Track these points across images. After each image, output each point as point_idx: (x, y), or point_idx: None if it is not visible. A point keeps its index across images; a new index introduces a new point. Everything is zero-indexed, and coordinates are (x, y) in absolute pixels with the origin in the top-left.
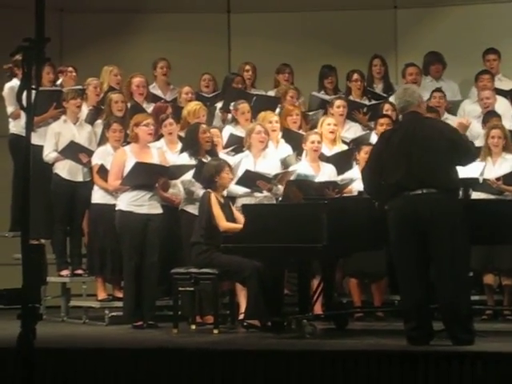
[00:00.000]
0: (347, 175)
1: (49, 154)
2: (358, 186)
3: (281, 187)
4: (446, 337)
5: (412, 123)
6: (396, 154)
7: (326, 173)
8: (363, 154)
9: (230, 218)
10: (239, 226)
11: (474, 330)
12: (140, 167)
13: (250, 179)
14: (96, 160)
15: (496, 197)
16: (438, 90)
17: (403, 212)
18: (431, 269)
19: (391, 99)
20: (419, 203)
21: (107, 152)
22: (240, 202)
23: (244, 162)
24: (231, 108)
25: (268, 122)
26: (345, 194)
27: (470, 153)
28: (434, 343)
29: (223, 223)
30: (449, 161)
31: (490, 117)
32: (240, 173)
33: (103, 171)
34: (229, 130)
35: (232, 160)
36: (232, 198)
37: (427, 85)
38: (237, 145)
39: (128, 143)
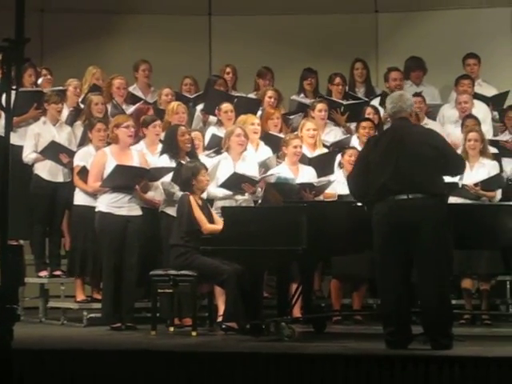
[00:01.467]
0: (327, 178)
1: (28, 155)
2: (339, 189)
3: (259, 190)
4: (424, 340)
5: (401, 129)
6: (383, 158)
7: (305, 175)
8: (347, 157)
9: (209, 220)
10: (220, 227)
11: (452, 335)
12: (120, 169)
13: (236, 182)
14: (77, 161)
15: (473, 202)
16: (418, 94)
17: (388, 216)
18: (412, 272)
19: (373, 103)
20: (404, 208)
21: (89, 153)
22: (219, 204)
23: (223, 163)
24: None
25: (250, 124)
26: (325, 199)
27: (458, 164)
28: (413, 347)
29: (206, 226)
30: (435, 167)
31: (468, 119)
32: (219, 174)
33: (84, 172)
34: (212, 130)
35: (210, 162)
36: (210, 201)
37: (407, 89)
38: (218, 147)
39: (108, 144)
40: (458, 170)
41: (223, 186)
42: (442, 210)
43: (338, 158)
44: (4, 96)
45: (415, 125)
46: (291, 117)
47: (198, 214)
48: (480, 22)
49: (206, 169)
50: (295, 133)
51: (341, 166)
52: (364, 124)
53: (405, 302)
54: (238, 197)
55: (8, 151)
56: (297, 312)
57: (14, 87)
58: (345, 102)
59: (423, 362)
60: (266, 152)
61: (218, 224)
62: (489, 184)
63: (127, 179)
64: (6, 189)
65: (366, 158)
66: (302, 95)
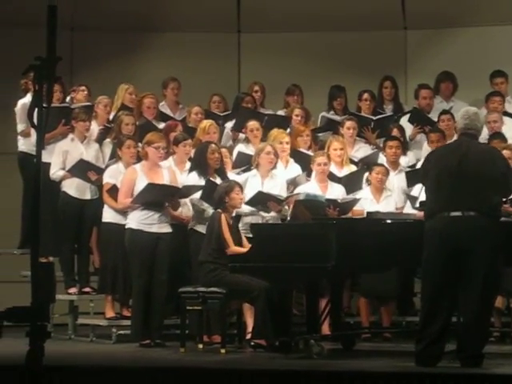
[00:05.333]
0: (353, 195)
1: (56, 172)
2: (367, 206)
3: (287, 208)
4: (453, 358)
5: (466, 145)
6: (443, 173)
7: (334, 193)
8: (375, 174)
9: (237, 240)
10: (244, 250)
11: (483, 353)
12: (152, 187)
13: (262, 200)
14: (107, 179)
15: (506, 219)
16: (446, 112)
17: (441, 232)
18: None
19: (402, 121)
20: (458, 225)
21: (119, 170)
22: (245, 220)
23: (250, 181)
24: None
25: (279, 142)
26: (354, 215)
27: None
28: (442, 365)
29: (232, 247)
30: (493, 187)
31: (495, 138)
32: (247, 192)
33: (114, 190)
34: (239, 148)
35: (238, 179)
36: (237, 217)
37: (437, 105)
38: (247, 165)
39: (138, 161)
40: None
41: (249, 203)
42: (495, 230)
43: (366, 174)
44: (35, 113)
45: (480, 143)
46: (320, 134)
47: (227, 234)
48: (508, 39)
49: (240, 187)
50: (322, 151)
51: (368, 182)
52: (390, 143)
53: (441, 319)
54: (264, 213)
55: (39, 169)
56: (326, 329)
57: (44, 105)
58: (374, 118)
59: (453, 380)
60: (295, 169)
61: (245, 246)
62: None
63: (158, 197)
64: (37, 207)
65: (427, 173)
66: (332, 112)
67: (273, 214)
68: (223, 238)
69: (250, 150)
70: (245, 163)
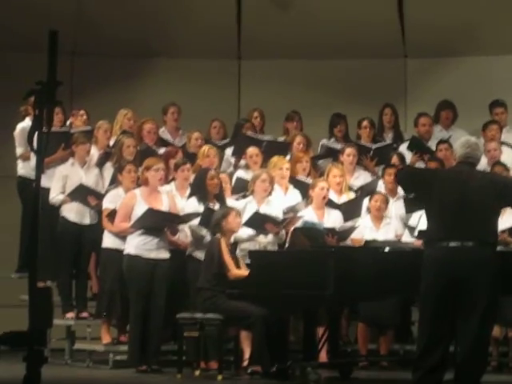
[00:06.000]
0: (352, 223)
1: (55, 197)
2: (367, 235)
3: (284, 232)
4: None
5: (465, 174)
6: (443, 202)
7: (332, 219)
8: (373, 202)
9: (236, 264)
10: (246, 273)
11: (480, 382)
12: (151, 213)
13: (259, 221)
14: (107, 204)
15: (503, 249)
16: (444, 141)
17: (438, 261)
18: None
19: (401, 149)
20: (456, 255)
21: (119, 195)
22: (243, 246)
23: (248, 207)
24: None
25: (279, 169)
26: (353, 243)
27: None
28: None
29: (234, 271)
30: (492, 215)
31: (497, 166)
32: (245, 218)
33: (113, 215)
34: (239, 174)
35: (237, 204)
36: (234, 243)
37: (437, 134)
38: (245, 191)
39: (138, 186)
40: None
41: (246, 224)
42: (493, 260)
43: (366, 202)
44: (35, 138)
45: (479, 171)
46: (319, 161)
47: (227, 258)
48: (508, 68)
49: (238, 211)
50: (323, 177)
51: (368, 210)
52: (390, 171)
53: (439, 348)
54: (262, 239)
55: (39, 195)
56: (323, 357)
57: (44, 129)
58: (373, 146)
59: None
60: (295, 196)
61: (243, 269)
62: None
63: (157, 222)
64: (35, 231)
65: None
66: (333, 140)
67: (270, 237)
68: (224, 261)
69: (249, 175)
70: (244, 189)
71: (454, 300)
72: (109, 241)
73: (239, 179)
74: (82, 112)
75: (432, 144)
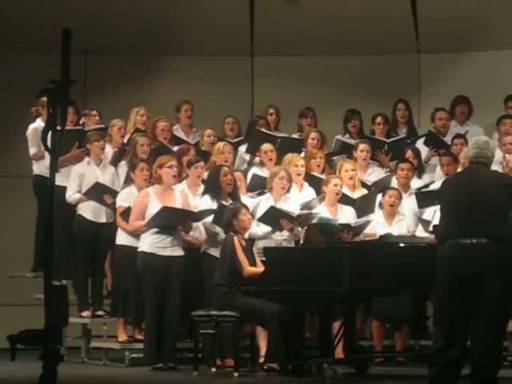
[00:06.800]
0: (365, 218)
1: (72, 196)
2: (380, 230)
3: (301, 229)
4: (467, 383)
5: (475, 173)
6: (452, 200)
7: (345, 216)
8: (387, 198)
9: (251, 262)
10: (260, 270)
11: (497, 378)
12: (166, 211)
13: (274, 216)
14: (120, 202)
15: None
16: (460, 136)
17: (451, 259)
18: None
19: (417, 145)
20: (468, 252)
21: (132, 193)
22: (260, 244)
23: (263, 204)
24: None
25: (294, 166)
26: (366, 238)
27: None
28: None
29: (247, 268)
30: (503, 213)
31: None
32: (259, 214)
33: (127, 213)
34: (254, 171)
35: (252, 202)
36: (251, 240)
37: (452, 129)
38: (262, 189)
39: (151, 184)
40: None
41: (261, 220)
42: (505, 257)
43: (379, 198)
44: (49, 137)
45: (490, 170)
46: (334, 158)
47: (241, 256)
48: None
49: (247, 208)
50: (335, 174)
51: (381, 206)
52: (402, 166)
53: (454, 343)
54: (278, 236)
55: (53, 193)
56: (339, 353)
57: (58, 128)
58: (387, 140)
59: None
60: (310, 193)
61: (259, 267)
62: None
63: (172, 220)
64: (50, 230)
65: (440, 200)
66: (347, 136)
67: (286, 233)
68: (238, 259)
69: (264, 172)
70: (259, 186)
71: (468, 297)
72: (122, 238)
73: (255, 176)
74: (94, 112)
75: (448, 140)
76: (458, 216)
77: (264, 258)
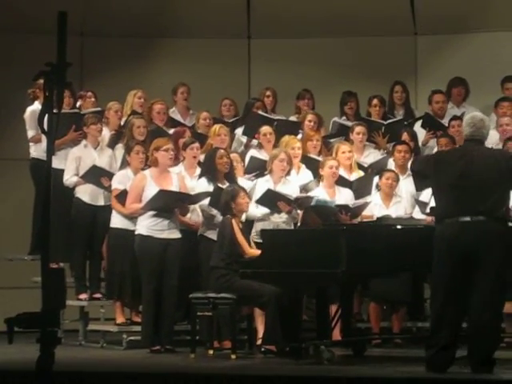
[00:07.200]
0: (363, 200)
1: (69, 179)
2: (377, 212)
3: (299, 212)
4: (464, 364)
5: (472, 151)
6: (450, 179)
7: (343, 197)
8: (384, 180)
9: (248, 244)
10: (259, 252)
11: (494, 359)
12: (163, 194)
13: (271, 199)
14: (116, 184)
15: None
16: (456, 117)
17: (449, 237)
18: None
19: (415, 127)
20: (466, 230)
21: (127, 176)
22: (258, 226)
23: (260, 185)
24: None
25: (291, 148)
26: (364, 220)
27: None
28: (453, 370)
29: (248, 250)
30: (501, 191)
31: (508, 143)
32: (256, 196)
33: (123, 196)
34: (252, 153)
35: (249, 184)
36: (249, 222)
37: (449, 111)
38: (259, 171)
39: (148, 167)
40: None
41: (258, 202)
42: (504, 235)
43: (376, 179)
44: (45, 120)
45: (486, 147)
46: (331, 140)
47: (241, 238)
48: None
49: (245, 191)
50: (332, 156)
51: (378, 188)
52: (399, 148)
53: (451, 324)
54: (276, 218)
55: (50, 175)
56: (336, 335)
57: (54, 111)
58: (385, 122)
59: None
60: (307, 176)
61: (254, 249)
62: None
63: (169, 203)
64: (47, 213)
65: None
66: (344, 118)
67: (284, 215)
68: (237, 242)
69: (262, 155)
70: (258, 168)
71: (465, 276)
72: (117, 221)
73: (253, 158)
74: (89, 94)
75: (446, 122)
76: (456, 194)
77: (261, 240)
